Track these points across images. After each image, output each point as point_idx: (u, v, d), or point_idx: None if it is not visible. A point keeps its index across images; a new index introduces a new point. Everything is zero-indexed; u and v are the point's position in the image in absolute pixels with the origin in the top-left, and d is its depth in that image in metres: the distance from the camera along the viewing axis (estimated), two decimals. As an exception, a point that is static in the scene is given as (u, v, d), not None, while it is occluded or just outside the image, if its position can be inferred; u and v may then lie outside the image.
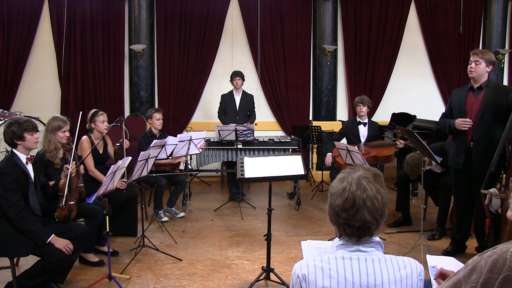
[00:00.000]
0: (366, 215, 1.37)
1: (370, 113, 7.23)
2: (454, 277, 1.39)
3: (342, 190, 1.39)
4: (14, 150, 3.03)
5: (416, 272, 1.44)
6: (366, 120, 5.31)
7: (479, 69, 3.57)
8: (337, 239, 1.49)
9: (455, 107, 3.78)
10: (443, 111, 4.14)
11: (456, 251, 3.93)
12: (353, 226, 1.39)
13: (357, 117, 5.32)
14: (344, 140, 5.25)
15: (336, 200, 1.40)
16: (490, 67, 3.57)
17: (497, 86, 3.65)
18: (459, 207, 3.94)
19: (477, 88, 3.64)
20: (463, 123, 3.60)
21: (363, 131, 5.29)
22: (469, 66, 3.63)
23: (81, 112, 3.60)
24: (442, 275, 1.67)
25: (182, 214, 5.19)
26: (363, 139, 5.26)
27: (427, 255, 1.83)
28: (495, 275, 1.28)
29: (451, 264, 1.80)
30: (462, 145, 3.71)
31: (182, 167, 5.67)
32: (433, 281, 1.70)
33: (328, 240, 3.16)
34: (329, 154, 5.13)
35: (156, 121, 5.11)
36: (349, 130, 5.34)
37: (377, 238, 1.45)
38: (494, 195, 3.12)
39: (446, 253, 3.91)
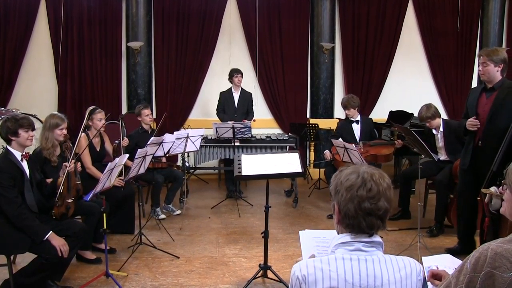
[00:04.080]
0: (386, 203, 1.42)
1: (368, 111, 7.26)
2: (447, 279, 1.41)
3: (363, 180, 1.41)
4: (8, 147, 3.02)
5: (415, 272, 1.45)
6: (358, 118, 5.34)
7: (488, 71, 3.45)
8: (337, 236, 1.48)
9: (469, 107, 3.70)
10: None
11: (462, 250, 3.79)
12: (375, 215, 1.41)
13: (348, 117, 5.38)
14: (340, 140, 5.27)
15: (358, 191, 1.40)
16: (501, 65, 3.42)
17: (511, 87, 3.48)
18: (460, 207, 3.91)
19: (490, 89, 3.53)
20: (470, 123, 3.54)
21: (356, 129, 5.32)
22: (478, 69, 3.55)
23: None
24: (434, 275, 1.67)
25: (179, 211, 5.19)
26: (358, 137, 5.28)
27: (422, 257, 1.83)
28: (477, 273, 1.30)
29: (447, 261, 1.80)
30: (470, 145, 3.66)
31: (179, 164, 5.66)
32: (428, 284, 1.70)
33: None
34: (327, 150, 5.18)
35: (146, 117, 5.10)
36: (344, 131, 5.38)
37: (378, 238, 1.45)
38: (494, 195, 3.12)
39: (449, 251, 3.78)
